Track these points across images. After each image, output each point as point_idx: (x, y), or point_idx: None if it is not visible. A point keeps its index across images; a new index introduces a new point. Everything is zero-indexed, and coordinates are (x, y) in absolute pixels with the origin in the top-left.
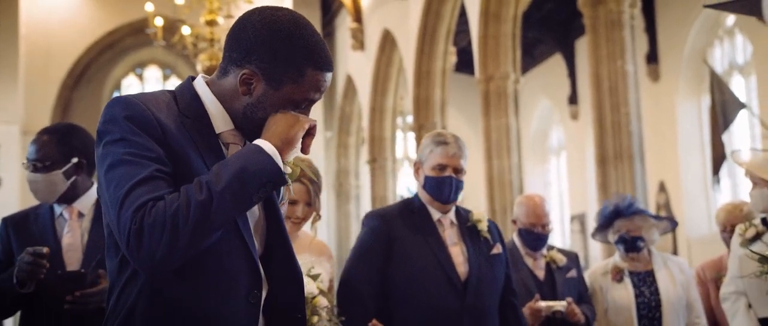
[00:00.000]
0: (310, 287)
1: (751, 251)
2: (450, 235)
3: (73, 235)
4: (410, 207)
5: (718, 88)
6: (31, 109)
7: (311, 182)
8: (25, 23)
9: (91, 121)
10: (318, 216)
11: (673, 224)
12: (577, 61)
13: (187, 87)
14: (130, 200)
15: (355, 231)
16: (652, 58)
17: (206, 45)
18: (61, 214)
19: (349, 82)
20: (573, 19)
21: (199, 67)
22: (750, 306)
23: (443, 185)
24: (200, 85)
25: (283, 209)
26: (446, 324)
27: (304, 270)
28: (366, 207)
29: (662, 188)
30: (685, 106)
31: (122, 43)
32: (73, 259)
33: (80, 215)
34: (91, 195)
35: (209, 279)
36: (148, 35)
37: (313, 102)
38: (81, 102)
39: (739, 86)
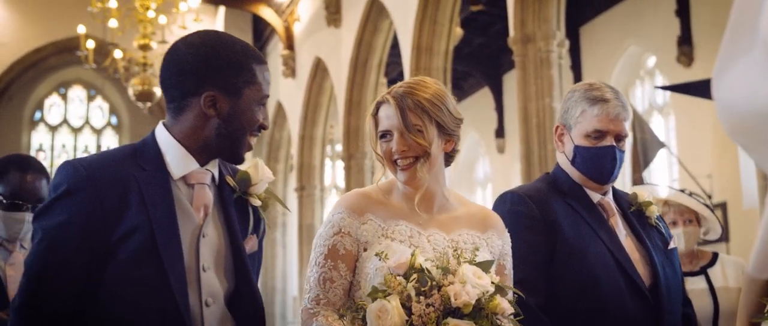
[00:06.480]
0: (482, 282)
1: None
2: (618, 224)
3: (15, 269)
4: (558, 187)
5: (639, 126)
6: None
7: (399, 97)
8: None
9: (10, 142)
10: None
11: None
12: (504, 95)
13: (150, 139)
14: None
15: (281, 259)
16: None
17: (139, 69)
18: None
19: (280, 109)
20: (501, 54)
21: (130, 91)
22: None
23: (603, 159)
24: (160, 133)
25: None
26: None
27: (467, 251)
28: (292, 235)
29: None
30: None
31: (47, 62)
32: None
33: (22, 247)
34: (28, 227)
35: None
36: (75, 55)
37: (268, 96)
38: (0, 121)
39: (658, 126)
